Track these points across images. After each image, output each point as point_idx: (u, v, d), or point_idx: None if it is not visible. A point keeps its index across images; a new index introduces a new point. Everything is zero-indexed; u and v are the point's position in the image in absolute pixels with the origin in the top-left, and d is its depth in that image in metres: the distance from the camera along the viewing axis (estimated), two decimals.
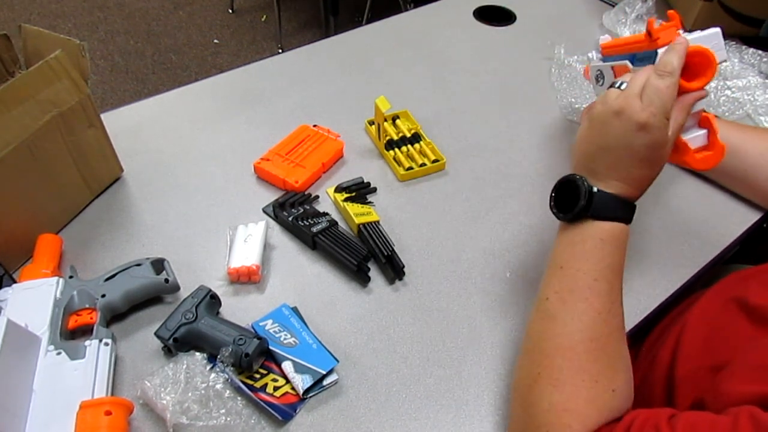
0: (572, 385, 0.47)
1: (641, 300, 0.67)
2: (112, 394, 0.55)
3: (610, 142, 0.52)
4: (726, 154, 0.65)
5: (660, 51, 0.56)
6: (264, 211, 0.76)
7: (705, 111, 0.60)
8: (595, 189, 0.52)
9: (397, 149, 0.83)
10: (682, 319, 0.62)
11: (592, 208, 0.51)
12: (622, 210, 0.52)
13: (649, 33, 0.56)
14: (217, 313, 0.63)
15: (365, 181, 0.79)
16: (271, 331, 0.60)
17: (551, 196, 0.56)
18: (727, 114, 0.92)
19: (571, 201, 0.53)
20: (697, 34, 0.58)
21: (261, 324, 0.61)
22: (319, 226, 0.70)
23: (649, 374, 0.61)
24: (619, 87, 0.53)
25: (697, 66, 0.53)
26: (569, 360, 0.49)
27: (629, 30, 1.07)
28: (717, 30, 0.58)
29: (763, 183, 0.73)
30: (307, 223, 0.71)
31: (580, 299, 0.50)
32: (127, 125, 0.87)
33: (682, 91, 0.51)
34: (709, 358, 0.54)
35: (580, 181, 0.52)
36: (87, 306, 0.61)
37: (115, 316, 0.62)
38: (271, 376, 0.58)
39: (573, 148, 0.57)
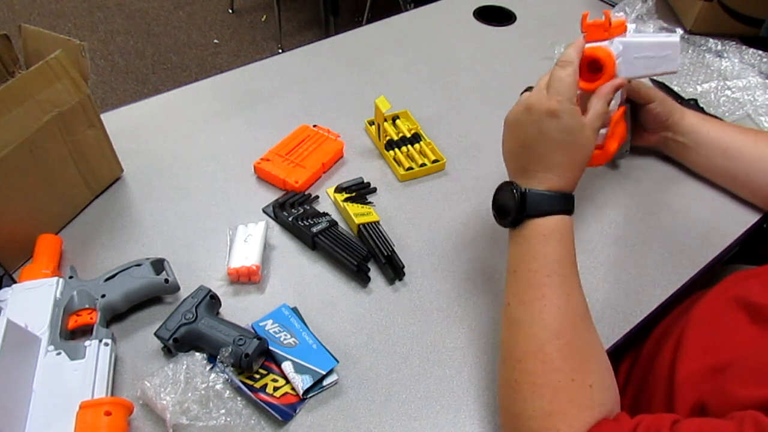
0: (550, 388, 0.48)
1: (641, 300, 0.67)
2: (112, 394, 0.55)
3: (528, 137, 0.54)
4: (727, 156, 0.66)
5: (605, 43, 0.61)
6: (264, 211, 0.76)
7: (622, 115, 0.65)
8: (524, 189, 0.54)
9: (397, 149, 0.83)
10: (684, 320, 0.62)
11: (526, 208, 0.53)
12: (557, 203, 0.54)
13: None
14: (217, 313, 0.63)
15: (365, 181, 0.79)
16: (271, 331, 0.60)
17: (492, 206, 0.58)
18: (727, 114, 0.92)
19: (509, 207, 0.55)
20: (653, 38, 0.60)
21: (261, 324, 0.61)
22: (319, 227, 0.70)
23: (651, 375, 0.61)
24: (528, 89, 0.57)
25: (594, 67, 0.57)
26: (541, 362, 0.49)
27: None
28: (675, 41, 0.60)
29: (764, 186, 0.73)
30: (307, 224, 0.71)
31: (537, 298, 0.51)
32: (127, 125, 0.87)
33: (583, 91, 0.56)
34: (711, 358, 0.54)
35: (510, 186, 0.55)
36: (87, 306, 0.61)
37: (115, 316, 0.62)
38: (271, 376, 0.58)
39: (503, 156, 0.59)
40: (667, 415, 0.44)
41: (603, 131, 0.63)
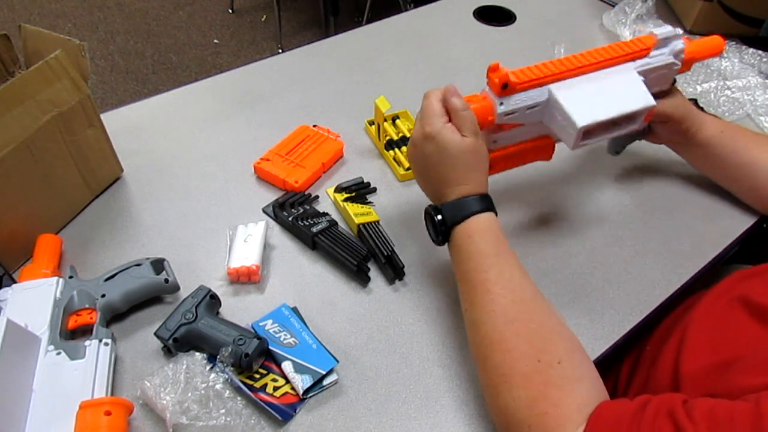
0: (520, 375, 0.48)
1: (641, 300, 0.67)
2: (112, 394, 0.55)
3: (425, 166, 0.60)
4: (740, 169, 0.72)
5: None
6: (264, 211, 0.76)
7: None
8: (438, 205, 0.59)
9: (397, 149, 0.83)
10: (685, 319, 0.62)
11: (445, 220, 0.58)
12: (471, 205, 0.57)
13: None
14: (217, 313, 0.63)
15: (365, 181, 0.79)
16: (271, 331, 0.60)
17: (427, 229, 0.62)
18: (727, 114, 0.92)
19: (434, 226, 0.60)
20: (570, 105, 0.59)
21: (261, 324, 0.61)
22: (319, 226, 0.70)
23: (654, 374, 0.61)
24: None
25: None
26: (505, 352, 0.50)
27: (629, 30, 1.07)
28: (576, 126, 0.58)
29: (764, 188, 0.73)
30: (307, 223, 0.71)
31: (482, 294, 0.54)
32: (127, 125, 0.87)
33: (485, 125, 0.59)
34: (715, 355, 0.54)
35: (428, 209, 0.60)
36: (87, 306, 0.61)
37: (115, 316, 0.62)
38: (271, 376, 0.58)
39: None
40: (675, 394, 0.44)
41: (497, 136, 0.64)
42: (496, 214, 0.59)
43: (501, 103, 0.59)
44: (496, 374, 0.50)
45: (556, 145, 0.67)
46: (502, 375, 0.50)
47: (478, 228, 0.57)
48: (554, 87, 0.60)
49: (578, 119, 0.57)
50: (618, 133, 0.63)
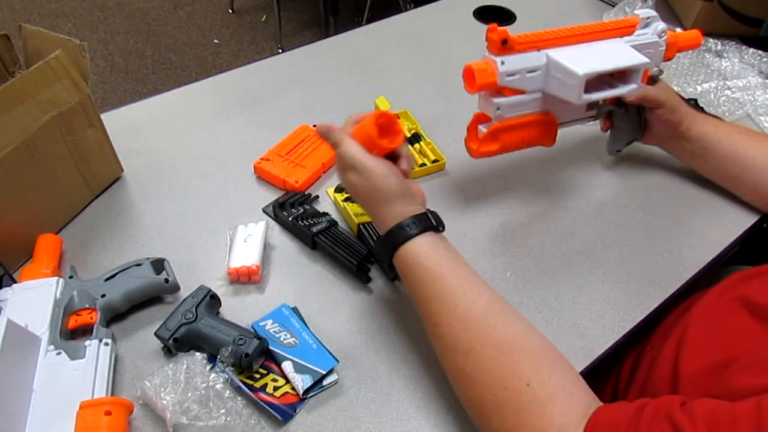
0: (491, 404, 0.47)
1: (641, 300, 0.67)
2: (112, 394, 0.55)
3: (358, 197, 0.58)
4: (737, 164, 0.73)
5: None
6: (264, 211, 0.76)
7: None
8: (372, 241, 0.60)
9: None
10: (685, 319, 0.62)
11: (380, 259, 0.58)
12: (395, 237, 0.54)
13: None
14: (217, 313, 0.63)
15: None
16: (271, 331, 0.60)
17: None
18: (727, 114, 0.92)
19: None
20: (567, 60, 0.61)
21: (261, 324, 0.61)
22: (319, 226, 0.70)
23: (654, 374, 0.61)
24: None
25: (388, 127, 0.57)
26: (469, 384, 0.49)
27: None
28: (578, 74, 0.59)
29: (764, 186, 0.73)
30: (307, 223, 0.71)
31: (433, 328, 0.52)
32: (127, 125, 0.87)
33: (376, 148, 0.57)
34: (714, 356, 0.54)
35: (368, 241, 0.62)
36: (87, 306, 0.61)
37: (115, 316, 0.62)
38: (271, 376, 0.58)
39: None
40: (672, 396, 0.43)
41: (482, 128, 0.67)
42: (436, 226, 0.55)
43: (503, 62, 0.60)
44: (470, 406, 0.50)
45: (558, 144, 0.67)
46: (475, 407, 0.49)
47: (406, 261, 0.54)
48: (551, 51, 0.63)
49: (579, 69, 0.59)
50: (617, 93, 0.64)
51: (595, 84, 0.62)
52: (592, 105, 0.72)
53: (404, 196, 0.56)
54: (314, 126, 0.62)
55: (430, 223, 0.55)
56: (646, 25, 0.69)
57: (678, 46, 0.72)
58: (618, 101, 0.73)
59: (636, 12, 0.69)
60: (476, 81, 0.60)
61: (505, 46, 0.60)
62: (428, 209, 0.58)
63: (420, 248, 0.54)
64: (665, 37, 0.70)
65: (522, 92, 0.64)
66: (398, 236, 0.54)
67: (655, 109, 0.73)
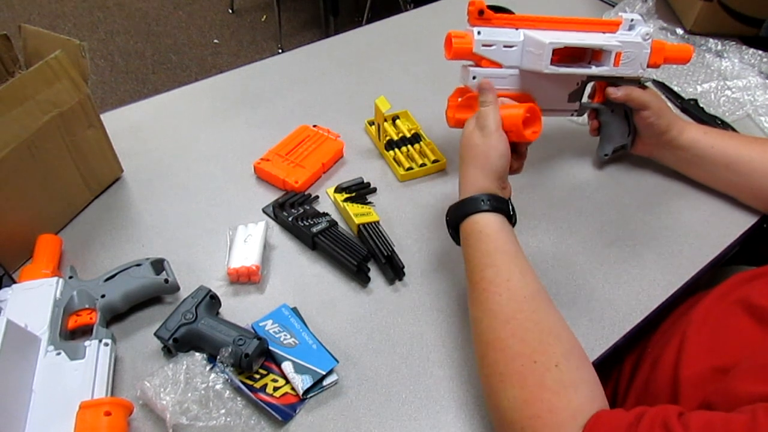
0: (516, 374, 0.48)
1: (641, 300, 0.67)
2: (112, 395, 0.56)
3: (466, 149, 0.63)
4: (730, 169, 0.73)
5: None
6: (264, 211, 0.76)
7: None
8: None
9: (397, 149, 0.83)
10: (686, 320, 0.61)
11: (450, 219, 0.61)
12: (473, 205, 0.59)
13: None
14: (217, 313, 0.63)
15: (365, 181, 0.79)
16: (270, 331, 0.60)
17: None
18: (727, 114, 0.92)
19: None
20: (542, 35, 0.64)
21: (261, 324, 0.61)
22: (319, 227, 0.70)
23: (654, 376, 0.60)
24: None
25: (533, 121, 0.63)
26: (500, 350, 0.50)
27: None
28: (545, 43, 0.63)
29: (761, 186, 0.73)
30: (307, 224, 0.71)
31: (480, 292, 0.55)
32: (127, 125, 0.87)
33: (514, 132, 0.62)
34: (715, 359, 0.54)
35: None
36: (87, 306, 0.61)
37: (115, 316, 0.62)
38: (271, 376, 0.58)
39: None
40: (670, 406, 0.43)
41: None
42: (509, 213, 0.60)
43: (479, 32, 0.65)
44: (492, 372, 0.51)
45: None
46: (497, 374, 0.50)
47: (474, 229, 0.57)
48: (528, 30, 0.66)
49: (546, 39, 0.63)
50: (586, 71, 0.69)
51: (568, 63, 0.68)
52: (574, 97, 0.73)
53: (500, 179, 0.61)
54: (474, 78, 0.67)
55: (506, 208, 0.60)
56: (631, 28, 0.70)
57: (665, 54, 0.71)
58: (605, 101, 0.74)
59: (620, 14, 0.70)
60: (452, 45, 0.65)
61: (481, 17, 0.64)
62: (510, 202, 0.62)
63: (490, 224, 0.58)
64: (650, 40, 0.70)
65: (499, 66, 0.67)
66: (475, 204, 0.58)
67: (641, 111, 0.73)
